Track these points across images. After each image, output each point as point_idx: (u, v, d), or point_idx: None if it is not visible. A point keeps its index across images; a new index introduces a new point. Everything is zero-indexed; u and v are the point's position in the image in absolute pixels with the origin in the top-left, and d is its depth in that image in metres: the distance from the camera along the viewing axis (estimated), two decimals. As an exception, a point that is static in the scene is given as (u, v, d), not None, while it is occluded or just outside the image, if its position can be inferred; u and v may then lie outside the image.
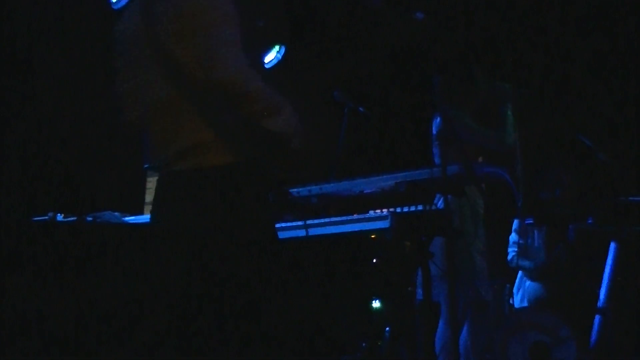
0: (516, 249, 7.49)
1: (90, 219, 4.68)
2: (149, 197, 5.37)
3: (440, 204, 5.63)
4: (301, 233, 4.88)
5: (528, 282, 7.38)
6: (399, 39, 7.95)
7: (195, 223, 3.49)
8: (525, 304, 7.29)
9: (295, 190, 5.10)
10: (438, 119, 5.99)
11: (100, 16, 6.81)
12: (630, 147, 7.86)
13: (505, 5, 7.88)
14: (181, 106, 3.55)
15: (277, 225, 4.08)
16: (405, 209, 4.87)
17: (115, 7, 6.81)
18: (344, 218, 4.77)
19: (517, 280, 7.48)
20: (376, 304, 6.79)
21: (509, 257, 7.52)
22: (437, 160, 5.91)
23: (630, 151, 7.78)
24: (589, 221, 6.69)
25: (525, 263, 7.40)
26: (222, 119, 3.55)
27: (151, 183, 5.37)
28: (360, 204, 5.02)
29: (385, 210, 4.82)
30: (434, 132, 6.04)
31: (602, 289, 6.36)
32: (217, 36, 3.46)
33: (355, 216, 4.73)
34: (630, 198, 6.33)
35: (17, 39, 6.15)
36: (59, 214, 4.75)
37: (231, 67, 3.44)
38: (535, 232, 7.42)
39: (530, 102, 7.42)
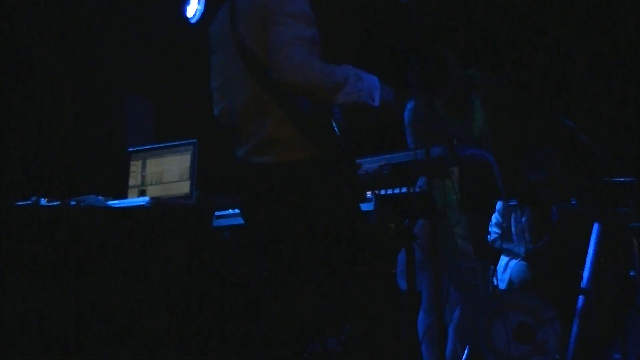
0: (498, 231, 7.51)
1: (74, 203, 4.66)
2: (132, 180, 5.36)
3: (423, 185, 5.64)
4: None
5: (512, 263, 7.41)
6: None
7: (285, 215, 3.72)
8: (510, 285, 7.32)
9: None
10: (411, 104, 5.99)
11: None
12: (613, 128, 7.88)
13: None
14: (263, 101, 3.75)
15: None
16: (389, 192, 4.87)
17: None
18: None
19: (500, 262, 7.51)
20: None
21: (492, 238, 7.54)
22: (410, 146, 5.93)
23: (613, 132, 7.80)
24: (573, 202, 6.71)
25: (508, 246, 7.42)
26: (301, 113, 3.73)
27: (135, 167, 5.36)
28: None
29: (369, 192, 4.82)
30: (407, 119, 6.04)
31: (585, 270, 6.38)
32: (283, 33, 3.61)
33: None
34: (613, 179, 6.34)
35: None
36: (42, 198, 4.73)
37: (287, 64, 3.56)
38: (519, 213, 7.44)
39: (500, 90, 7.46)
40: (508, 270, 7.40)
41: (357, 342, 3.77)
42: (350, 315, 3.82)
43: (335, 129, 3.81)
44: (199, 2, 7.18)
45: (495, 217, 7.59)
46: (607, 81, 7.97)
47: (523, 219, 7.43)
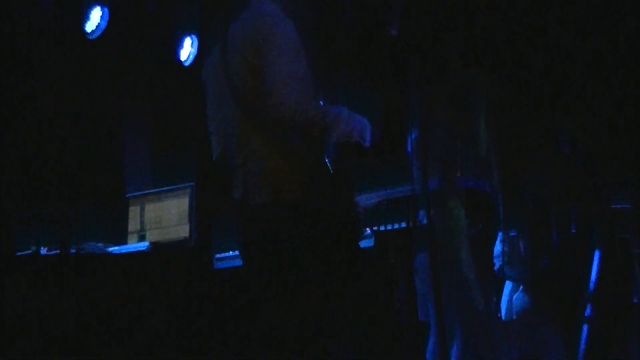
0: (501, 260, 7.49)
1: (73, 251, 4.67)
2: (131, 226, 5.36)
3: (423, 219, 5.63)
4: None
5: (515, 294, 7.38)
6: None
7: (282, 257, 3.71)
8: (513, 315, 7.29)
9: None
10: (414, 134, 5.99)
11: (93, 65, 6.91)
12: (612, 153, 7.86)
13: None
14: (257, 142, 3.75)
15: None
16: (389, 227, 4.87)
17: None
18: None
19: (503, 292, 7.49)
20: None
21: (496, 268, 7.51)
22: (415, 179, 5.92)
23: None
24: (573, 230, 6.70)
25: (511, 274, 7.40)
26: (295, 152, 3.74)
27: (133, 212, 5.37)
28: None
29: (368, 229, 4.82)
30: (410, 150, 6.04)
31: (588, 298, 6.36)
32: (276, 72, 3.62)
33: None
34: (614, 205, 6.34)
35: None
36: (41, 247, 4.73)
37: (283, 104, 3.59)
38: (520, 242, 7.43)
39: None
40: (511, 299, 7.38)
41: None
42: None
43: (330, 167, 3.82)
44: (192, 45, 7.22)
45: (497, 248, 7.57)
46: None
47: (524, 248, 7.41)
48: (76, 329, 4.19)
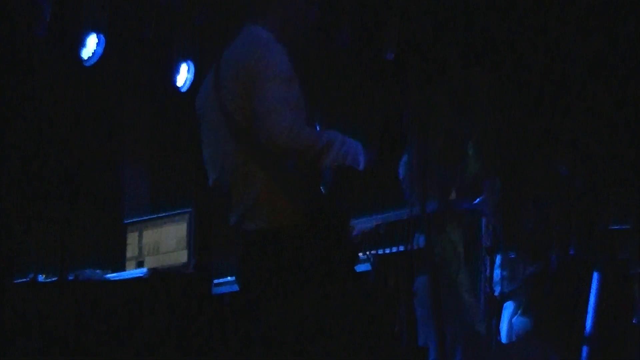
0: (501, 286, 7.46)
1: (71, 277, 4.66)
2: (129, 252, 5.36)
3: (421, 242, 5.63)
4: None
5: (515, 317, 7.36)
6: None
7: (275, 281, 3.71)
8: (513, 338, 7.26)
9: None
10: (405, 159, 5.98)
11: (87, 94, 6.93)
12: (609, 173, 7.85)
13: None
14: (251, 168, 3.75)
15: None
16: (387, 250, 4.87)
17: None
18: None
19: (503, 314, 7.46)
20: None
21: (496, 294, 7.48)
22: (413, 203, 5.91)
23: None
24: (571, 252, 6.69)
25: (511, 300, 7.37)
26: (289, 177, 3.75)
27: (131, 238, 5.36)
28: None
29: (366, 253, 4.82)
30: (401, 174, 6.03)
31: (588, 319, 6.35)
32: (268, 98, 3.64)
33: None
34: (611, 227, 6.33)
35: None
36: (39, 275, 4.73)
37: (276, 129, 3.59)
38: (518, 265, 7.41)
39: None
40: (511, 322, 7.35)
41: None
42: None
43: (324, 191, 3.82)
44: (188, 71, 7.23)
45: (496, 274, 7.55)
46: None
47: (523, 271, 7.40)
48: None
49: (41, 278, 4.73)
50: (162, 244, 5.23)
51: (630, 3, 7.39)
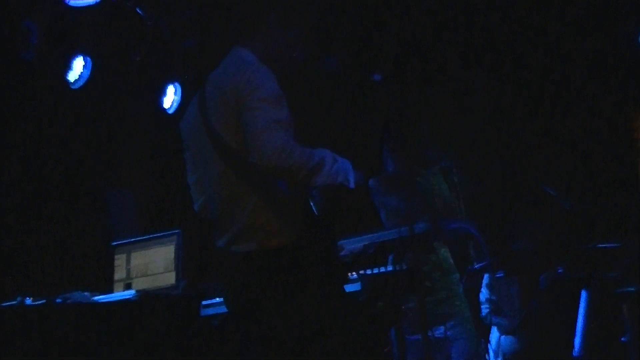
0: (489, 306, 7.46)
1: (59, 300, 4.63)
2: (117, 274, 5.34)
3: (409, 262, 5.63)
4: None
5: (502, 337, 7.36)
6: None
7: (266, 302, 3.73)
8: (500, 357, 7.26)
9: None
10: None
11: (75, 113, 6.92)
12: (596, 193, 7.87)
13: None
14: (241, 190, 3.78)
15: None
16: (376, 271, 4.86)
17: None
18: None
19: (491, 336, 7.46)
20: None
21: (483, 314, 7.48)
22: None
23: (597, 197, 7.78)
24: (560, 270, 6.70)
25: (499, 320, 7.38)
26: (279, 198, 3.77)
27: (119, 260, 5.34)
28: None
29: (355, 273, 4.81)
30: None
31: (576, 338, 6.35)
32: (259, 118, 3.64)
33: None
34: (599, 245, 6.35)
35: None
36: (27, 298, 4.70)
37: (267, 149, 3.58)
38: (507, 284, 7.42)
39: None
40: (499, 345, 7.35)
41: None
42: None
43: (315, 211, 3.82)
44: (175, 93, 7.24)
45: (483, 294, 7.55)
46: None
47: (512, 290, 7.40)
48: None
49: (29, 301, 4.70)
50: (150, 265, 5.21)
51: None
